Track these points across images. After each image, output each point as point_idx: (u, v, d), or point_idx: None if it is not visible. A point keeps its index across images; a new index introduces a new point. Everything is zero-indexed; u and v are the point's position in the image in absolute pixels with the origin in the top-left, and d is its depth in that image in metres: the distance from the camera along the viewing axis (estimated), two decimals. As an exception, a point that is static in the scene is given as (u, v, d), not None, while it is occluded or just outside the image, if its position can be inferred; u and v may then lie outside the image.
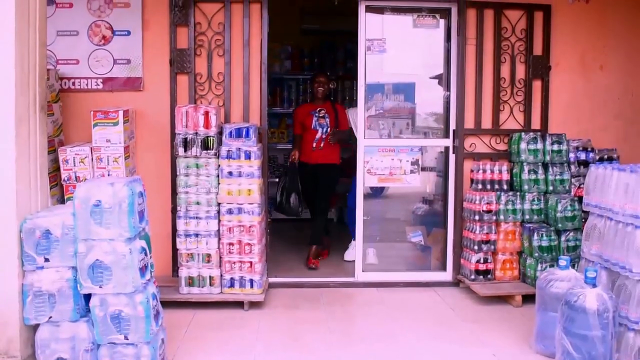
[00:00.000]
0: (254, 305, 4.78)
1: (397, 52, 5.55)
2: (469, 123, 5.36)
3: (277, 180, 6.29)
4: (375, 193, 6.18)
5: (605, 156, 5.30)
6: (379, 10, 5.39)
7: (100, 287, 3.21)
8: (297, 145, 6.23)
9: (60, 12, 5.04)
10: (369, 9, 5.31)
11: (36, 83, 3.29)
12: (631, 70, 5.56)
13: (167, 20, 5.08)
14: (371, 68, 5.36)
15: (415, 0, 5.35)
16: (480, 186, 5.18)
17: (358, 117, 5.48)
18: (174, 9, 5.05)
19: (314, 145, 6.07)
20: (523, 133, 5.20)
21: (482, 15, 5.30)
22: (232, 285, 4.81)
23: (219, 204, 4.75)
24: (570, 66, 5.47)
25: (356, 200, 5.63)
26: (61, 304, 3.24)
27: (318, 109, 6.10)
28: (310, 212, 6.41)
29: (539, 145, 5.13)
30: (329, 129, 6.06)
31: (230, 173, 4.73)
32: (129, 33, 5.10)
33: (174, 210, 4.96)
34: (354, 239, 5.72)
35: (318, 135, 6.05)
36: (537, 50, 5.39)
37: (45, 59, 3.44)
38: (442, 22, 5.51)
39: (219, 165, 4.75)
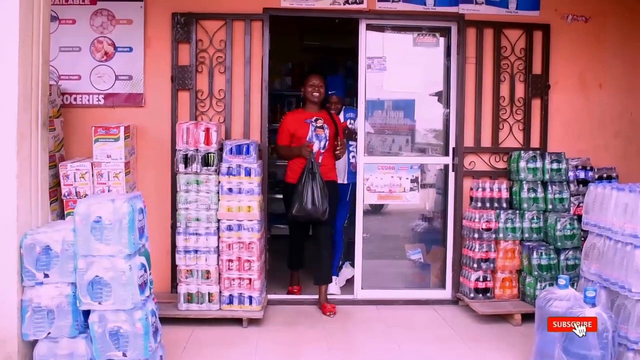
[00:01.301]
0: (253, 322, 4.77)
1: (397, 70, 5.56)
2: (469, 141, 5.37)
3: (279, 196, 5.90)
4: (374, 210, 6.17)
5: (605, 175, 5.32)
6: (380, 28, 5.43)
7: (100, 303, 3.21)
8: (287, 155, 5.34)
9: (63, 29, 5.08)
10: (369, 28, 5.35)
11: (39, 99, 3.31)
12: (630, 89, 5.59)
13: (169, 37, 5.12)
14: (371, 85, 5.39)
15: (416, 19, 5.38)
16: (479, 204, 5.18)
17: (358, 135, 5.49)
18: (176, 26, 5.08)
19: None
20: (522, 151, 5.21)
21: (481, 34, 5.34)
22: (231, 302, 4.80)
23: (218, 221, 4.76)
24: (569, 85, 5.50)
25: (343, 220, 5.71)
26: (60, 320, 3.23)
27: (315, 118, 5.26)
28: (296, 243, 5.57)
29: (538, 164, 5.15)
30: (327, 143, 5.25)
31: (230, 189, 4.74)
32: (131, 49, 5.13)
33: (173, 226, 4.96)
34: (340, 263, 5.74)
35: (315, 148, 5.18)
36: (537, 69, 5.42)
37: (48, 75, 3.46)
38: (442, 40, 5.55)
39: (219, 182, 4.76)
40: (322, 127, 5.25)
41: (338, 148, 5.22)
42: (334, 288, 5.47)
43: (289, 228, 5.59)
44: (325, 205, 5.01)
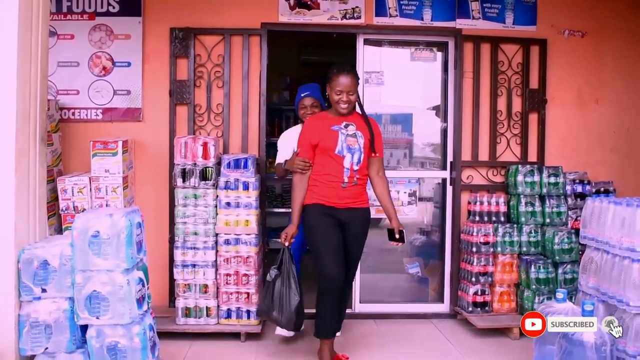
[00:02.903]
0: (251, 336, 4.76)
1: (395, 84, 5.57)
2: (466, 155, 5.39)
3: (277, 210, 5.70)
4: (372, 223, 6.14)
5: (602, 189, 5.34)
6: (377, 43, 5.45)
7: (97, 318, 3.19)
8: (300, 186, 4.17)
9: (62, 44, 5.11)
10: (367, 42, 5.38)
11: (37, 115, 3.31)
12: (627, 104, 5.62)
13: (167, 51, 5.14)
14: (369, 99, 5.38)
15: (413, 34, 5.41)
16: (477, 218, 5.20)
17: None
18: (174, 41, 5.11)
19: (346, 179, 4.07)
20: (520, 165, 5.23)
21: (478, 49, 5.37)
22: (229, 316, 4.79)
23: (216, 235, 4.76)
24: (566, 100, 5.53)
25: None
26: (57, 335, 3.21)
27: (344, 123, 4.14)
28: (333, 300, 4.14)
29: (536, 178, 5.16)
30: (362, 156, 4.11)
31: (228, 204, 4.74)
32: (129, 64, 5.15)
33: (171, 241, 4.96)
34: None
35: (348, 164, 4.07)
36: (534, 83, 5.45)
37: (46, 91, 3.46)
38: (439, 55, 5.58)
39: (217, 196, 4.76)
40: (354, 136, 4.12)
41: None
42: None
43: (319, 285, 4.09)
44: (290, 310, 4.07)
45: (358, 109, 4.30)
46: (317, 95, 4.83)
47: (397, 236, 4.14)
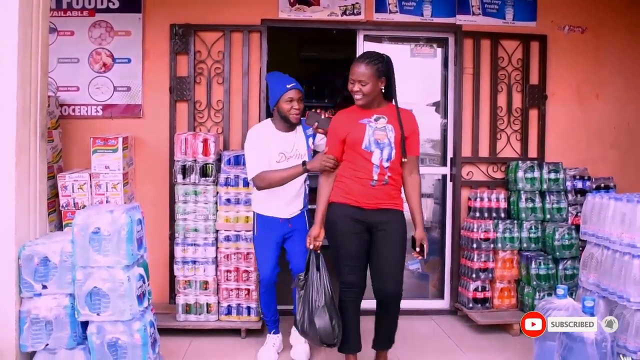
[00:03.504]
0: (251, 332, 4.76)
1: (395, 80, 5.55)
2: (466, 151, 5.39)
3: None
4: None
5: (602, 185, 5.33)
6: (377, 39, 5.44)
7: (98, 314, 3.20)
8: (326, 185, 3.82)
9: (62, 40, 5.10)
10: (367, 38, 5.37)
11: (37, 111, 3.31)
12: (627, 99, 5.62)
13: (167, 48, 5.13)
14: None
15: (413, 30, 5.40)
16: (477, 214, 5.20)
17: None
18: (174, 38, 5.10)
19: (375, 177, 3.68)
20: (520, 161, 5.23)
21: (478, 45, 5.37)
22: (229, 313, 4.79)
23: (216, 231, 4.76)
24: (566, 95, 5.52)
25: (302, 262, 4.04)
26: (58, 332, 3.22)
27: (375, 116, 3.73)
28: (347, 297, 3.88)
29: (536, 174, 5.16)
30: (393, 152, 3.69)
31: (228, 200, 4.74)
32: (129, 61, 5.14)
33: (171, 237, 4.96)
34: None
35: (376, 160, 3.67)
36: (534, 79, 5.44)
37: (46, 87, 3.46)
38: (439, 51, 5.57)
39: (217, 193, 4.76)
40: (383, 130, 3.70)
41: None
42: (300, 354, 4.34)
43: (339, 294, 3.88)
44: (328, 323, 3.71)
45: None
46: (302, 88, 4.20)
47: (417, 249, 3.80)
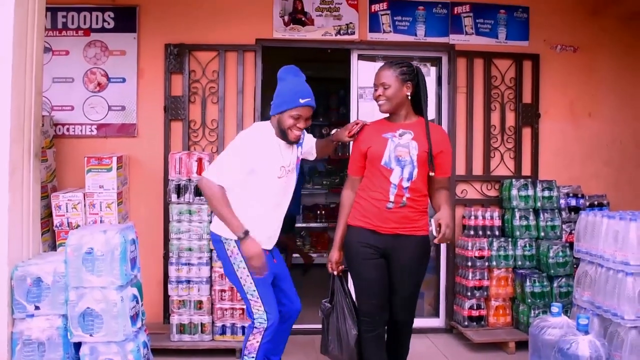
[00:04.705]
0: (246, 352, 4.73)
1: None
2: (460, 169, 5.40)
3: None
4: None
5: (596, 202, 5.35)
6: (371, 58, 5.47)
7: (91, 335, 3.18)
8: (346, 206, 3.60)
9: (57, 60, 5.11)
10: (361, 58, 5.41)
11: (31, 131, 3.31)
12: (619, 118, 5.66)
13: (162, 67, 5.15)
14: (363, 114, 5.37)
15: (407, 49, 5.43)
16: (472, 232, 5.20)
17: None
18: (169, 57, 5.12)
19: (392, 198, 3.40)
20: (514, 179, 5.25)
21: (472, 64, 5.40)
22: (223, 333, 4.77)
23: (211, 251, 4.74)
24: (559, 114, 5.56)
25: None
26: (51, 353, 3.19)
27: (400, 131, 3.44)
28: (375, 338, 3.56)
29: (530, 192, 5.18)
30: (415, 171, 3.38)
31: (222, 219, 4.73)
32: (124, 80, 5.16)
33: (166, 257, 4.95)
34: None
35: (396, 179, 3.38)
36: (527, 98, 5.48)
37: (40, 107, 3.47)
38: (432, 70, 5.61)
39: (211, 212, 4.75)
40: (406, 146, 3.38)
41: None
42: None
43: (358, 327, 3.58)
44: (350, 346, 3.54)
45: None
46: (314, 105, 3.60)
47: (436, 227, 3.27)
